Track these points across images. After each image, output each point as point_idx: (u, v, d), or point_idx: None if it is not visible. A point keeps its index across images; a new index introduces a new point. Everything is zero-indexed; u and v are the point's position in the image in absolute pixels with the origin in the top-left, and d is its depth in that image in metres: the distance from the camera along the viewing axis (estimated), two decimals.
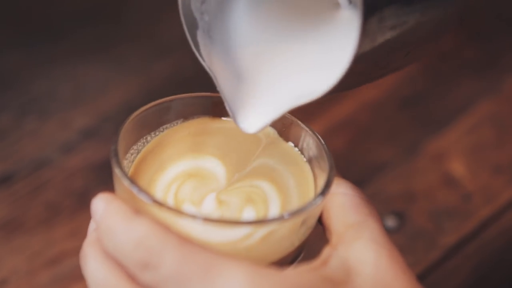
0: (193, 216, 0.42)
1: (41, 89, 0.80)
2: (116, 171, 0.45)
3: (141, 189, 0.43)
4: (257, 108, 0.49)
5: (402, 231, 0.68)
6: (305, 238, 0.47)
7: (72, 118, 0.78)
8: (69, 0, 0.90)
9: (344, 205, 0.45)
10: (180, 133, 0.52)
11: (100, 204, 0.43)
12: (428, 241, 0.67)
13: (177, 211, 0.43)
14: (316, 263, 0.42)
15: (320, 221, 0.47)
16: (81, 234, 0.67)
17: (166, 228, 0.40)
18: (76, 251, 0.66)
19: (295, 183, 0.49)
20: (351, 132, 0.77)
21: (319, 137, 0.49)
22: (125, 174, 0.45)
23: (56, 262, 0.66)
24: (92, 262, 0.43)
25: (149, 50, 0.86)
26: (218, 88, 0.50)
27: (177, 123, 0.52)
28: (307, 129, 0.50)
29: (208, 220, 0.42)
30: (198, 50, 0.50)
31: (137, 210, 0.42)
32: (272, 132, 0.52)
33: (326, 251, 0.43)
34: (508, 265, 0.67)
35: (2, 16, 0.88)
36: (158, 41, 0.87)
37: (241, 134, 0.50)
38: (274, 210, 0.47)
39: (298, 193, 0.49)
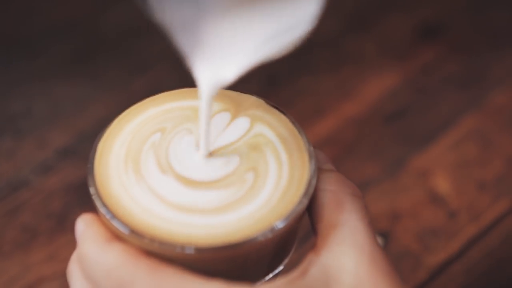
0: (182, 247, 0.41)
1: (17, 107, 0.79)
2: (91, 191, 0.44)
3: (115, 216, 0.43)
4: (232, 52, 0.44)
5: (387, 251, 0.66)
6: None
7: (49, 137, 0.76)
8: (45, 15, 0.88)
9: (327, 203, 0.44)
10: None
11: (80, 225, 0.44)
12: (413, 261, 0.66)
13: (155, 240, 0.42)
14: (295, 274, 0.42)
15: (309, 213, 0.46)
16: (59, 258, 0.66)
17: (137, 256, 0.41)
18: (54, 276, 0.65)
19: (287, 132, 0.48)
20: (333, 149, 0.76)
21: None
22: (99, 197, 0.44)
23: (34, 287, 0.64)
24: (76, 281, 0.44)
25: (127, 66, 0.84)
26: (175, 40, 0.44)
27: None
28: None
29: (199, 249, 0.41)
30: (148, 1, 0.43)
31: (112, 236, 0.42)
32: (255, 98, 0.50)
33: (308, 258, 0.43)
34: (496, 285, 0.67)
35: None
36: (136, 57, 0.85)
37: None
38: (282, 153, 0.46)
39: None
